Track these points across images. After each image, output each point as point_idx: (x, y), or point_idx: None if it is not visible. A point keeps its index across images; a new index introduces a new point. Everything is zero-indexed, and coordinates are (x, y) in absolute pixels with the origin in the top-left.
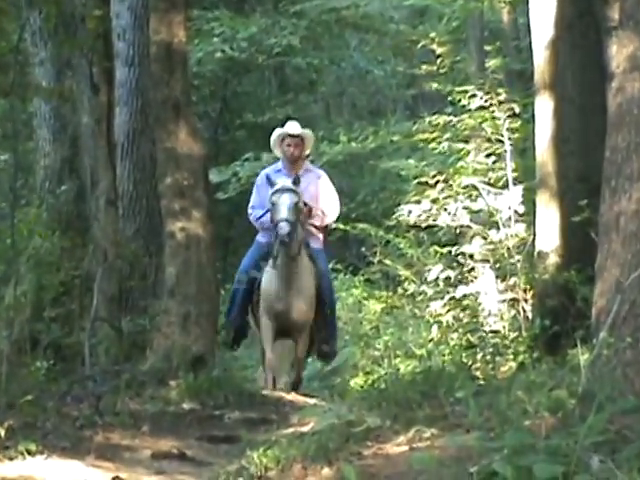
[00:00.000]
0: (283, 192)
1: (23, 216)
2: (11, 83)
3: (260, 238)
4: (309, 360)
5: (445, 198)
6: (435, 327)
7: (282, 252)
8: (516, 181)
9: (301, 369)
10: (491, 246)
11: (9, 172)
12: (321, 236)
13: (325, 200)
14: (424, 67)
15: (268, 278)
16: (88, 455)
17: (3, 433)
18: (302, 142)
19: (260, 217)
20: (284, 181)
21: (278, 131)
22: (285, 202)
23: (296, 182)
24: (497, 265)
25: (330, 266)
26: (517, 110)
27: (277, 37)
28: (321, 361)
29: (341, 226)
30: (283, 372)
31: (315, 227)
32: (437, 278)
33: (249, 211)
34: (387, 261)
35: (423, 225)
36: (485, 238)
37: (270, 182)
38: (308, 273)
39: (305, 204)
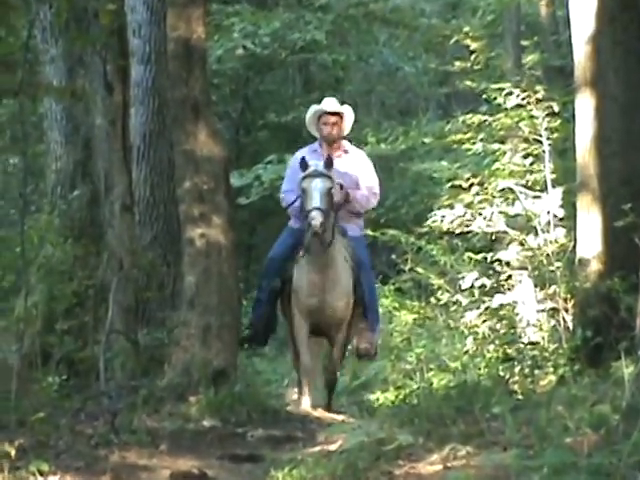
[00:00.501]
0: (314, 177)
1: (33, 223)
2: (20, 82)
3: (293, 224)
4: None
5: (480, 202)
6: (470, 339)
7: (314, 243)
8: (555, 184)
9: (336, 373)
10: (529, 252)
11: (18, 177)
12: (361, 222)
13: (365, 183)
14: (457, 64)
15: (300, 271)
16: (103, 475)
17: (14, 452)
18: (341, 120)
19: (292, 203)
20: (315, 164)
21: (314, 108)
22: (317, 188)
23: (328, 165)
24: (535, 273)
25: None
26: (556, 109)
27: (301, 32)
28: (361, 361)
29: (370, 232)
30: (318, 376)
31: (353, 213)
32: (472, 286)
33: (281, 196)
34: (419, 269)
35: (457, 231)
36: (522, 244)
37: (304, 165)
38: (344, 265)
39: (342, 187)
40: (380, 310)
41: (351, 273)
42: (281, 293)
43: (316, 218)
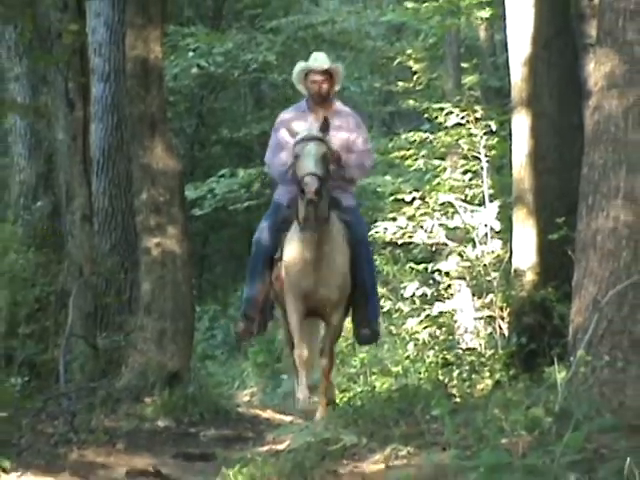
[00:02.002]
0: (308, 141)
1: None
2: None
3: (279, 198)
4: (284, 377)
5: (421, 215)
6: (411, 344)
7: (310, 214)
8: (492, 198)
9: (333, 356)
10: (467, 263)
11: None
12: (353, 190)
13: (359, 146)
14: (401, 84)
15: (291, 250)
16: (63, 472)
17: None
18: (330, 77)
19: (285, 172)
20: (309, 128)
21: (301, 65)
22: (311, 153)
23: (324, 128)
24: (473, 282)
25: None
26: (494, 127)
27: (253, 53)
28: (363, 345)
29: None
30: (315, 362)
31: (346, 180)
32: (413, 295)
33: (266, 162)
34: None
35: (399, 242)
36: (461, 255)
37: (289, 130)
38: (341, 240)
39: (333, 152)
40: None
41: (348, 250)
42: (270, 272)
43: (310, 184)
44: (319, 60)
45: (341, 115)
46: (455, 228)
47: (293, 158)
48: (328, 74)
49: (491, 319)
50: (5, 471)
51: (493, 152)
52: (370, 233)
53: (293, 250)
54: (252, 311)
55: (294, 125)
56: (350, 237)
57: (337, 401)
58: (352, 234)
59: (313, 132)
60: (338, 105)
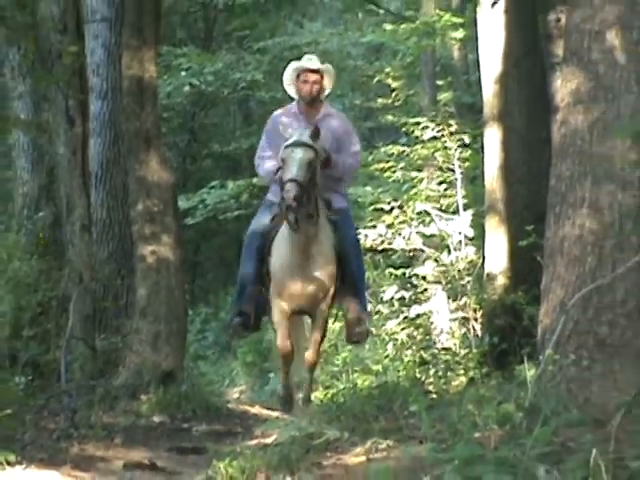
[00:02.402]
0: (295, 147)
1: (2, 241)
2: None
3: (271, 196)
4: (271, 375)
5: (400, 223)
6: (390, 344)
7: (293, 219)
8: (466, 207)
9: (318, 352)
10: (443, 268)
11: None
12: (344, 191)
13: (348, 148)
14: (380, 100)
15: (278, 251)
16: (64, 466)
17: None
18: (321, 79)
19: (275, 173)
20: (299, 133)
21: (293, 65)
22: (296, 159)
23: (314, 135)
24: (448, 286)
25: None
26: (467, 141)
27: (242, 72)
28: (353, 344)
29: None
30: (299, 359)
31: (335, 180)
32: (392, 298)
33: (256, 162)
34: None
35: (379, 248)
36: (437, 261)
37: (281, 125)
38: (328, 241)
39: (322, 156)
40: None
41: (334, 250)
42: (262, 266)
43: (290, 191)
44: (311, 60)
45: (331, 117)
46: (431, 235)
47: (280, 162)
48: (320, 75)
49: (465, 320)
50: (10, 464)
51: (466, 164)
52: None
53: (280, 249)
54: (247, 306)
55: (286, 125)
56: (339, 237)
57: (312, 398)
58: (341, 234)
59: (302, 138)
60: (327, 107)
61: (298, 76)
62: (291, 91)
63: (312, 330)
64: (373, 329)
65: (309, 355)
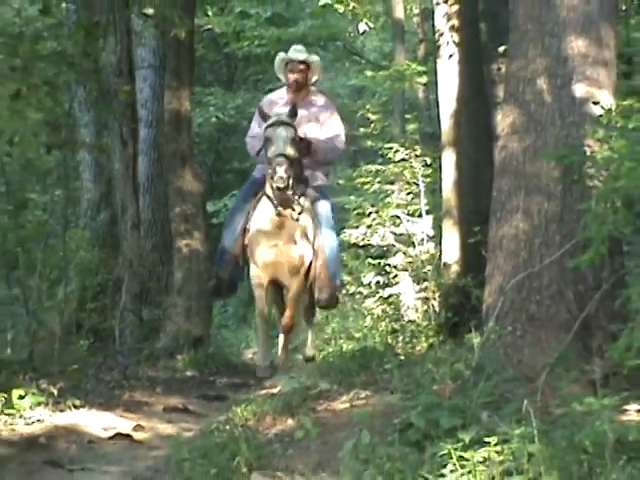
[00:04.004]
0: (278, 126)
1: (72, 235)
2: (63, 139)
3: (256, 174)
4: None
5: (376, 224)
6: (369, 317)
7: (279, 192)
8: (428, 212)
9: (293, 312)
10: (409, 259)
11: (62, 204)
12: (326, 169)
13: (330, 133)
14: (362, 129)
15: (258, 222)
16: (117, 409)
17: (56, 392)
18: (307, 68)
19: (258, 152)
20: (278, 113)
21: (282, 55)
22: (280, 136)
23: (292, 114)
24: (414, 273)
25: None
26: (429, 161)
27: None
28: (322, 309)
29: None
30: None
31: (318, 162)
32: (370, 282)
33: (247, 140)
34: None
35: (360, 244)
36: (405, 253)
37: (263, 115)
38: (304, 218)
39: (302, 139)
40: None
41: (311, 226)
42: (243, 239)
43: (280, 164)
44: (297, 51)
45: (316, 103)
46: (401, 234)
47: (264, 141)
48: (305, 65)
49: (426, 299)
50: (76, 407)
51: (428, 179)
52: (339, 236)
53: (258, 223)
54: (223, 272)
55: (272, 107)
56: (314, 214)
57: (311, 355)
58: (315, 209)
59: (282, 117)
60: (315, 94)
61: (287, 65)
62: (281, 77)
63: (288, 297)
64: (356, 305)
65: (283, 320)
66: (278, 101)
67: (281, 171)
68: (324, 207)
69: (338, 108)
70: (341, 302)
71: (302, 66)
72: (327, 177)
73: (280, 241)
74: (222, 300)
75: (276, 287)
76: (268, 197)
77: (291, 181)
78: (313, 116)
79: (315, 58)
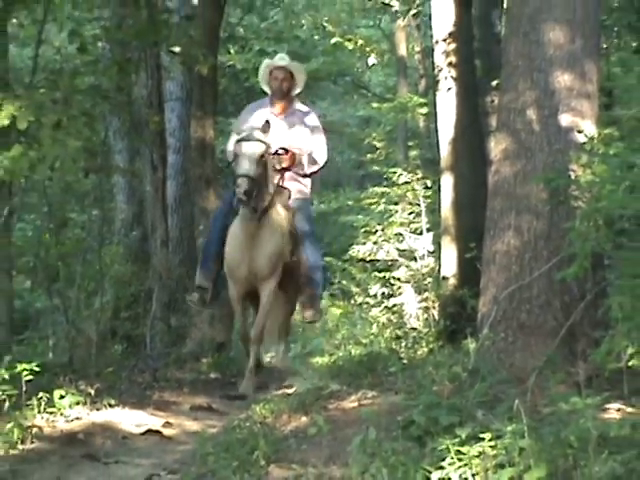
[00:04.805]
0: (246, 142)
1: (107, 251)
2: (100, 164)
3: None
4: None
5: (382, 241)
6: (375, 325)
7: (243, 211)
8: (428, 230)
9: (261, 330)
10: (412, 272)
11: (98, 223)
12: (308, 182)
13: (312, 143)
14: (369, 155)
15: (231, 238)
16: (148, 407)
17: (93, 392)
18: (291, 77)
19: (228, 164)
20: (250, 128)
21: (266, 62)
22: (247, 154)
23: (265, 129)
24: (416, 285)
25: None
26: (429, 184)
27: None
28: (307, 323)
29: None
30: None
31: (300, 174)
32: (376, 293)
33: (227, 150)
34: (344, 282)
35: (367, 258)
36: (408, 267)
37: (250, 115)
38: (278, 232)
39: (287, 151)
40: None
41: (288, 240)
42: (221, 254)
43: (241, 185)
44: (281, 59)
45: (300, 113)
46: (404, 250)
47: (233, 156)
48: (289, 73)
49: (427, 309)
50: (111, 406)
51: (428, 200)
52: (349, 253)
53: (232, 237)
54: (206, 282)
55: (252, 118)
56: (293, 229)
57: (321, 363)
58: (296, 222)
59: (253, 133)
60: (298, 104)
61: (271, 73)
62: (265, 87)
63: (259, 311)
64: (363, 314)
65: (252, 332)
66: (260, 110)
67: (241, 192)
68: (306, 221)
69: (322, 123)
70: (324, 317)
71: (285, 73)
72: (309, 189)
73: (250, 254)
74: (207, 309)
75: (257, 302)
76: (240, 215)
77: (257, 198)
78: (297, 126)
79: (298, 65)
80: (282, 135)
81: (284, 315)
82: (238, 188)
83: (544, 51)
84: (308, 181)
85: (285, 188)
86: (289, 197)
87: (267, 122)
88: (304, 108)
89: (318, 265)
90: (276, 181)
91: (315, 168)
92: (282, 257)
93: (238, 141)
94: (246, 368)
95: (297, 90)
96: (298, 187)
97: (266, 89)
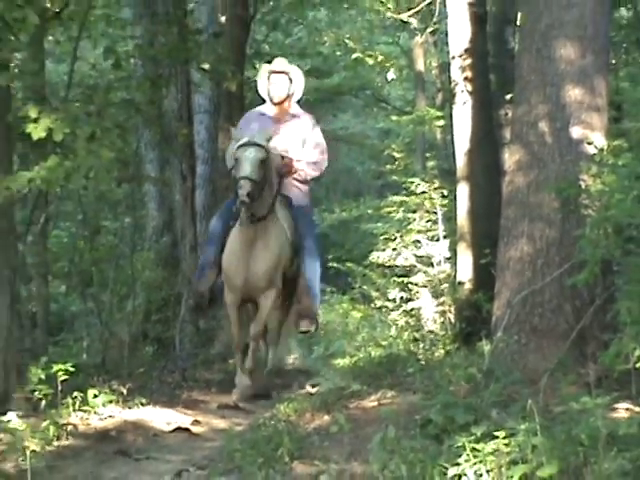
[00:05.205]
0: (248, 146)
1: (139, 257)
2: (132, 174)
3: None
4: (315, 347)
5: (401, 247)
6: (394, 328)
7: (244, 214)
8: (445, 237)
9: (257, 340)
10: (429, 278)
11: (130, 230)
12: (306, 188)
13: (310, 150)
14: (388, 166)
15: (229, 243)
16: (178, 406)
17: (125, 392)
18: (289, 82)
19: (230, 170)
20: (251, 134)
21: (264, 68)
22: (248, 158)
23: (267, 135)
24: (433, 290)
25: (327, 289)
26: (445, 193)
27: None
28: (302, 334)
29: (335, 264)
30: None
31: (299, 180)
32: (395, 298)
33: (227, 157)
34: (364, 286)
35: (387, 264)
36: (425, 273)
37: (250, 122)
38: (277, 237)
39: (283, 158)
40: (340, 310)
41: (287, 250)
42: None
43: (244, 187)
44: (278, 63)
45: (298, 119)
46: (421, 256)
47: (234, 161)
48: (288, 78)
49: (443, 312)
50: (143, 405)
51: (445, 208)
52: (369, 259)
53: (230, 245)
54: (203, 287)
55: (252, 124)
56: (294, 237)
57: (342, 364)
58: (298, 232)
59: (254, 139)
60: (297, 109)
61: (269, 78)
62: (263, 93)
63: (255, 318)
64: (383, 317)
65: (251, 328)
66: (259, 117)
67: (243, 194)
68: (306, 228)
69: (322, 132)
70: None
71: (284, 77)
72: (309, 195)
73: (248, 262)
74: (205, 315)
75: (254, 309)
76: (240, 220)
77: (258, 203)
78: (296, 132)
79: (296, 69)
80: (281, 141)
81: (276, 322)
82: (240, 190)
83: (556, 66)
84: (307, 187)
85: (284, 195)
86: (289, 205)
87: (268, 127)
88: (303, 113)
89: (316, 276)
90: (275, 188)
91: (315, 174)
92: (280, 267)
93: (239, 146)
94: (238, 375)
95: (296, 95)
96: (298, 194)
97: (264, 95)
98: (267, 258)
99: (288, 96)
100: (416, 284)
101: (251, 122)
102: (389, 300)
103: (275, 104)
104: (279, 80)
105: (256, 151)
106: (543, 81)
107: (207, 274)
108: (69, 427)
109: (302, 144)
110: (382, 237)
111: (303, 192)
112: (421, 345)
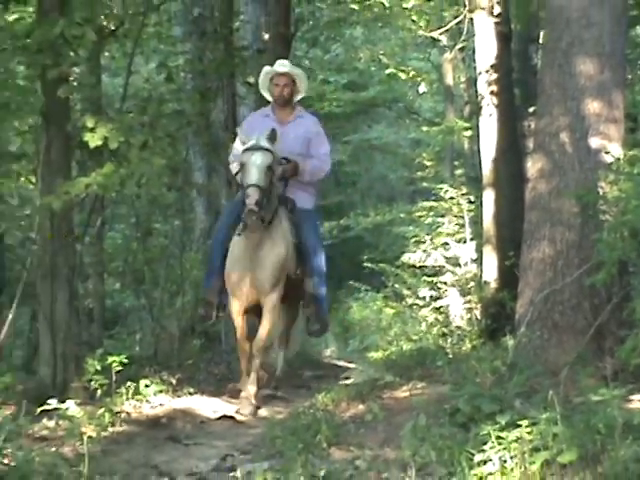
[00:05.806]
0: (254, 151)
1: (187, 257)
2: (181, 180)
3: (238, 196)
4: (351, 341)
5: (431, 249)
6: (424, 323)
7: (251, 221)
8: (471, 240)
9: (264, 343)
10: (457, 277)
11: (179, 232)
12: (312, 190)
13: (316, 151)
14: (419, 173)
15: (233, 250)
16: (223, 395)
17: (175, 382)
18: (292, 83)
19: (236, 173)
20: (257, 137)
21: (267, 69)
22: (255, 164)
23: (272, 138)
24: (460, 288)
25: (362, 287)
26: (472, 199)
27: (334, 157)
28: (313, 337)
29: (370, 265)
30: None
31: (303, 183)
32: (425, 296)
33: (230, 159)
34: (397, 285)
35: (418, 265)
36: (453, 273)
37: (253, 124)
38: (282, 244)
39: (288, 160)
40: (375, 307)
41: (292, 252)
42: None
43: (252, 196)
44: (282, 65)
45: (302, 120)
46: (450, 257)
47: (240, 165)
48: (291, 79)
49: (470, 310)
50: (191, 394)
51: (472, 213)
52: (401, 260)
53: (234, 250)
54: (211, 295)
55: (254, 128)
56: (298, 240)
57: (376, 357)
58: (302, 236)
59: (260, 142)
60: (301, 110)
61: (271, 80)
62: (266, 94)
63: (262, 323)
64: (414, 314)
65: (254, 344)
66: (263, 118)
67: (252, 203)
68: (310, 232)
69: (326, 129)
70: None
71: (287, 79)
72: (314, 197)
73: (252, 268)
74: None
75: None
76: (244, 225)
77: (265, 209)
78: (300, 134)
79: (299, 71)
80: (285, 143)
81: (284, 326)
82: (249, 199)
83: (576, 81)
84: (313, 190)
85: (288, 198)
86: (293, 207)
87: (274, 130)
88: (306, 115)
89: (322, 279)
90: (280, 191)
91: (319, 176)
92: (285, 271)
93: (245, 150)
94: (243, 383)
95: (299, 96)
96: (302, 197)
97: (267, 96)
98: (271, 262)
99: (292, 97)
100: (445, 283)
101: (255, 124)
102: (419, 298)
103: (279, 105)
104: (282, 82)
105: (263, 156)
106: (564, 95)
107: (213, 282)
108: (123, 414)
109: (307, 145)
110: (413, 239)
111: (308, 194)
112: (449, 340)
